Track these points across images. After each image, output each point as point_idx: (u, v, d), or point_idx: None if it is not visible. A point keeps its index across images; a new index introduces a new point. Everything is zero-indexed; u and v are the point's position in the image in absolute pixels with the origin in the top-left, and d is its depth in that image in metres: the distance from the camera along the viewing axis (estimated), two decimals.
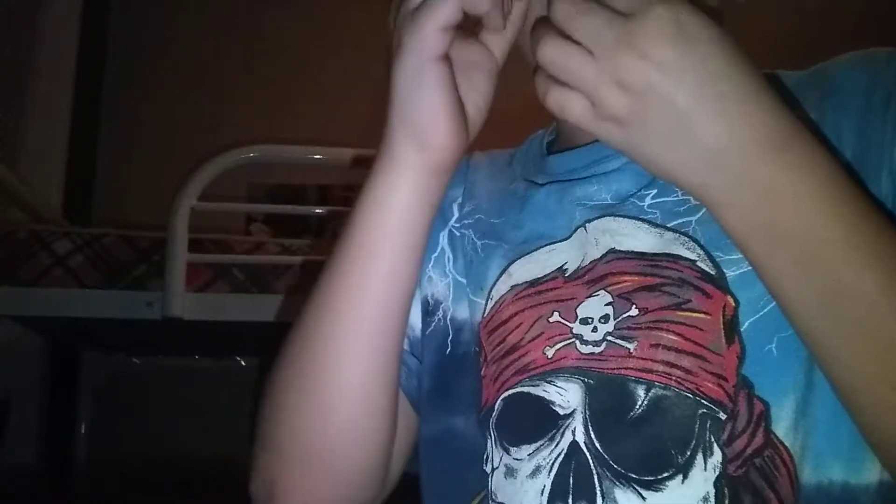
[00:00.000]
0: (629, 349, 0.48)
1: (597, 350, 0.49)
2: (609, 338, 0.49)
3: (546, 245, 0.55)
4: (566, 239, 0.54)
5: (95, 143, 2.72)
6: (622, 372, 0.48)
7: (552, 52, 0.43)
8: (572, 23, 0.42)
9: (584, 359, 0.49)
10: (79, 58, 2.44)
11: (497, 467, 0.52)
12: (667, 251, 0.50)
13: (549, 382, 0.50)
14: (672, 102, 0.41)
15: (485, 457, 0.53)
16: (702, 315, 0.48)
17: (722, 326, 0.47)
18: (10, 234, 1.68)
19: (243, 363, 2.55)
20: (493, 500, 0.52)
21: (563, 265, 0.53)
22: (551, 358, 0.51)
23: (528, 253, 0.55)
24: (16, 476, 2.11)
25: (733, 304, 0.48)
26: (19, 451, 2.13)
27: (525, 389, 0.51)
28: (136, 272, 1.66)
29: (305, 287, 0.59)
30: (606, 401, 0.48)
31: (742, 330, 0.47)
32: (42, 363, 2.31)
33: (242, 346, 2.38)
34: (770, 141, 0.41)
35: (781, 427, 0.46)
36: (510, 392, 0.52)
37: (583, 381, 0.49)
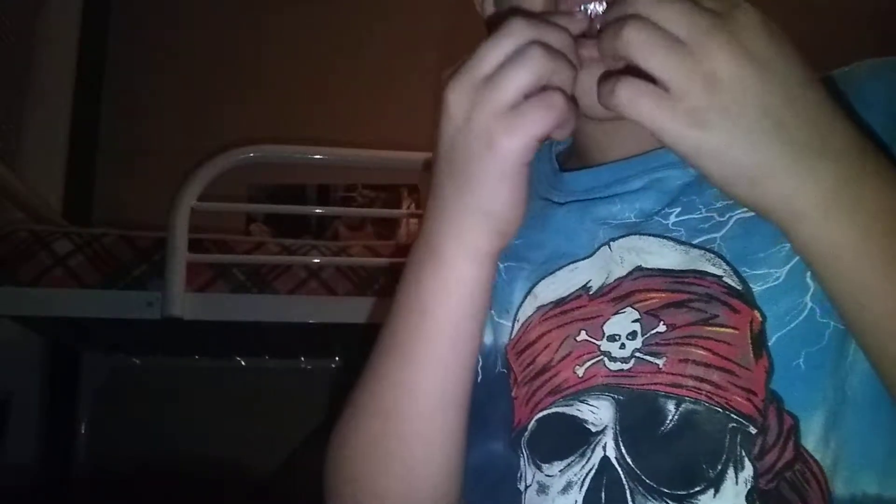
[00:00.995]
0: (658, 365, 0.48)
1: (625, 367, 0.49)
2: (637, 354, 0.49)
3: (569, 264, 0.55)
4: (588, 257, 0.54)
5: (95, 143, 2.72)
6: (652, 387, 0.48)
7: (636, 35, 0.40)
8: (661, 9, 0.40)
9: (613, 376, 0.50)
10: (79, 58, 2.44)
11: (530, 485, 0.52)
12: (693, 268, 0.50)
13: (582, 402, 0.51)
14: (767, 99, 0.39)
15: (518, 475, 0.53)
16: (729, 330, 0.48)
17: (750, 341, 0.47)
18: (10, 234, 1.68)
19: (243, 363, 2.55)
20: None
21: (587, 283, 0.53)
22: (582, 377, 0.51)
23: (551, 273, 0.55)
24: (16, 476, 2.11)
25: (760, 319, 0.48)
26: (19, 451, 2.13)
27: (560, 410, 0.52)
28: (136, 272, 1.66)
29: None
30: (637, 416, 0.48)
31: (770, 344, 0.47)
32: (42, 363, 2.31)
33: (242, 346, 2.38)
34: (856, 148, 0.40)
35: (811, 441, 0.45)
36: (545, 413, 0.52)
37: (613, 397, 0.49)
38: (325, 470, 0.58)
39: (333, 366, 2.56)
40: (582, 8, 0.49)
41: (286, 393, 2.50)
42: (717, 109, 0.39)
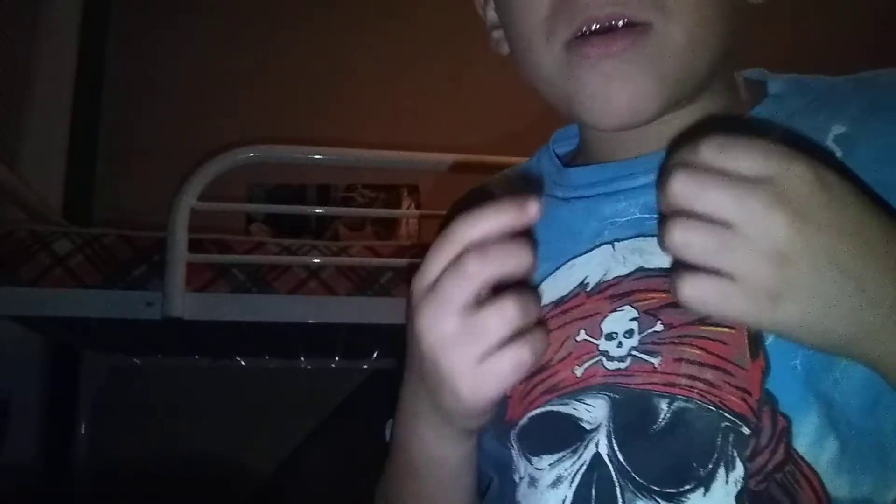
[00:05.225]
0: (654, 364, 0.49)
1: (622, 365, 0.50)
2: (634, 352, 0.50)
3: (567, 261, 0.55)
4: (585, 253, 0.54)
5: (95, 143, 2.72)
6: (647, 387, 0.48)
7: (685, 236, 0.39)
8: (700, 200, 0.39)
9: (610, 375, 0.50)
10: (79, 58, 2.44)
11: (523, 477, 0.53)
12: None
13: (578, 401, 0.51)
14: (838, 264, 0.38)
15: (513, 467, 0.54)
16: (726, 330, 0.48)
17: (746, 341, 0.47)
18: (10, 234, 1.67)
19: (243, 363, 2.55)
20: None
21: (584, 280, 0.54)
22: (581, 377, 0.51)
23: (552, 272, 0.55)
24: (16, 476, 2.11)
25: None
26: (19, 451, 2.13)
27: (554, 408, 0.52)
28: (136, 272, 1.66)
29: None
30: (631, 415, 0.49)
31: (767, 345, 0.47)
32: (42, 363, 2.31)
33: (242, 346, 2.37)
34: None
35: (803, 443, 0.45)
36: (538, 411, 0.53)
37: (609, 396, 0.50)
38: None
39: (333, 366, 2.56)
40: (580, 31, 0.49)
41: (286, 393, 2.50)
42: (793, 283, 0.38)
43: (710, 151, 0.39)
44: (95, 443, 2.44)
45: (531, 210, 0.43)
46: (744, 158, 0.39)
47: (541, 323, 0.46)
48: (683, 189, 0.39)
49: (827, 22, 2.74)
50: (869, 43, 2.57)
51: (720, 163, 0.39)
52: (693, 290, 0.39)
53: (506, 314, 0.43)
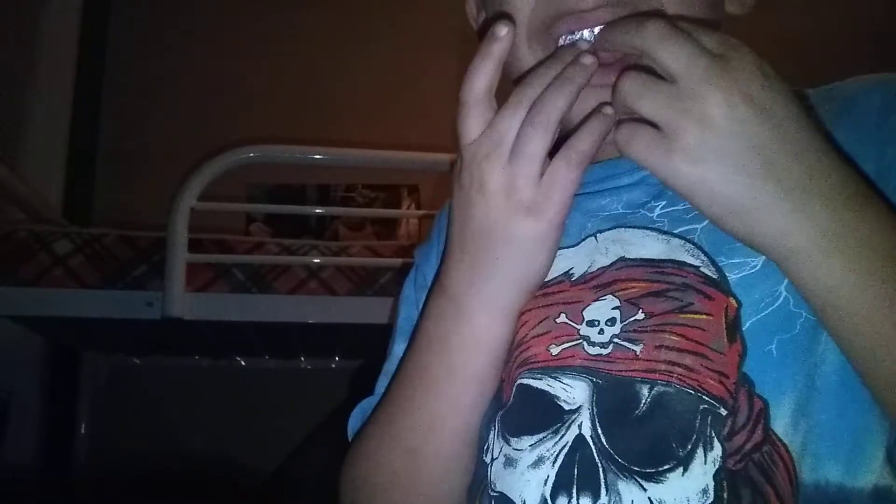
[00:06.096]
0: (635, 351, 0.50)
1: (604, 352, 0.51)
2: (616, 340, 0.51)
3: None
4: (573, 246, 0.56)
5: (95, 143, 2.72)
6: (629, 374, 0.49)
7: (630, 83, 0.44)
8: (661, 48, 0.43)
9: (591, 359, 0.51)
10: (79, 58, 2.44)
11: (496, 457, 0.53)
12: (672, 258, 0.51)
13: (553, 378, 0.52)
14: (759, 139, 0.41)
15: (485, 447, 0.55)
16: (703, 316, 0.49)
17: (724, 326, 0.48)
18: (10, 234, 1.68)
19: (243, 363, 2.55)
20: (491, 490, 0.53)
21: (569, 270, 0.55)
22: (556, 355, 0.52)
23: None
24: (16, 476, 2.11)
25: (736, 305, 0.49)
26: (19, 451, 2.13)
27: (527, 382, 0.53)
28: (136, 272, 1.66)
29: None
30: (613, 400, 0.50)
31: (744, 329, 0.48)
32: (42, 363, 2.31)
33: (242, 346, 2.38)
34: (852, 190, 0.42)
35: (780, 425, 0.46)
36: (516, 385, 0.54)
37: (591, 380, 0.51)
38: (341, 501, 0.62)
39: (333, 366, 2.56)
40: (566, 39, 0.54)
41: (286, 393, 2.50)
42: (710, 148, 0.42)
43: (686, 23, 0.44)
44: (95, 443, 2.44)
45: (500, 32, 0.49)
46: (708, 35, 0.43)
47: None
48: (654, 31, 0.43)
49: (835, 24, 2.74)
50: (868, 45, 2.57)
51: (689, 30, 0.43)
52: (625, 134, 0.44)
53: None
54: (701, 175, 0.42)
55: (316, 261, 1.71)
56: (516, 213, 0.49)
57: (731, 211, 0.43)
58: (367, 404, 0.65)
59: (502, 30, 0.49)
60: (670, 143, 0.42)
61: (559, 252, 0.55)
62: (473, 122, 0.50)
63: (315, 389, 2.50)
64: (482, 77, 0.50)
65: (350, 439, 0.64)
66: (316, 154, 1.83)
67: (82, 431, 2.44)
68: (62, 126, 2.40)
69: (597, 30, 0.52)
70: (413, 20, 2.78)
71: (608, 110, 0.48)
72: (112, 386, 2.46)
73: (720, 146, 0.41)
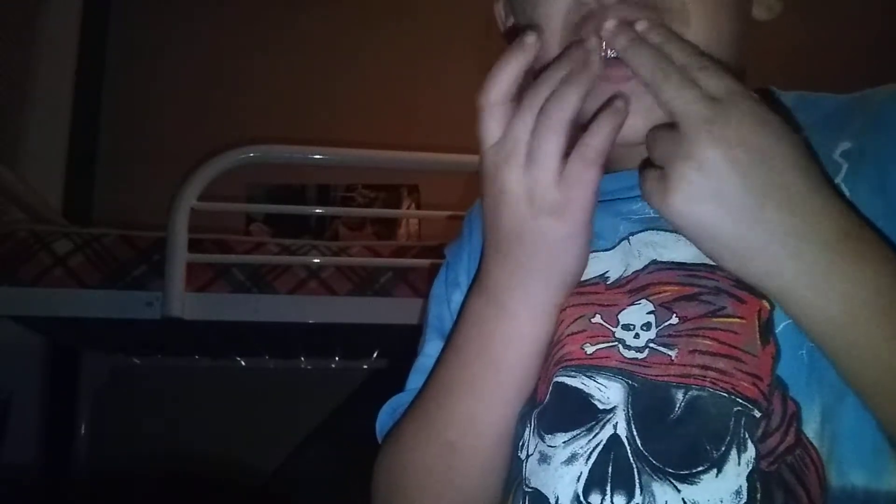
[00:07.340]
0: (671, 356, 0.50)
1: (640, 356, 0.52)
2: (651, 345, 0.51)
3: (591, 253, 0.56)
4: (609, 249, 0.56)
5: (95, 143, 2.72)
6: (665, 378, 0.50)
7: (650, 132, 0.48)
8: (663, 90, 0.46)
9: (627, 362, 0.52)
10: (79, 58, 2.44)
11: (531, 454, 0.54)
12: (704, 261, 0.52)
13: (588, 377, 0.53)
14: (752, 181, 0.43)
15: (521, 444, 0.56)
16: (736, 320, 0.50)
17: (757, 329, 0.49)
18: (10, 234, 1.68)
19: (243, 363, 2.55)
20: (526, 486, 0.54)
21: (604, 273, 0.56)
22: (591, 354, 0.53)
23: None
24: (16, 476, 2.11)
25: (769, 308, 0.50)
26: (19, 451, 2.13)
27: (562, 379, 0.54)
28: (136, 272, 1.66)
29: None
30: (649, 403, 0.50)
31: (777, 332, 0.49)
32: (42, 363, 2.30)
33: (242, 346, 2.38)
34: (847, 233, 0.44)
35: (811, 429, 0.47)
36: (552, 383, 0.54)
37: (627, 382, 0.51)
38: (373, 496, 0.62)
39: (333, 366, 2.56)
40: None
41: (286, 393, 2.50)
42: (705, 190, 0.44)
43: (696, 59, 0.47)
44: (95, 443, 2.44)
45: (528, 41, 0.50)
46: (716, 78, 0.45)
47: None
48: (660, 70, 0.46)
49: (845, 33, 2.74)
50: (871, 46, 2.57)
51: (695, 70, 0.46)
52: (640, 175, 0.48)
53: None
54: (696, 215, 0.45)
55: (316, 261, 1.71)
56: (540, 215, 0.50)
57: (724, 250, 0.46)
58: (396, 402, 0.65)
59: (531, 38, 0.50)
60: (668, 184, 0.45)
61: (596, 254, 0.56)
62: (493, 126, 0.51)
63: (315, 389, 2.50)
64: (503, 81, 0.51)
65: (379, 435, 0.65)
66: (316, 154, 1.83)
67: (82, 431, 2.44)
68: (62, 126, 2.40)
69: (610, 26, 0.52)
70: (413, 20, 2.78)
71: (619, 104, 0.49)
72: (112, 386, 2.46)
73: (715, 189, 0.44)
